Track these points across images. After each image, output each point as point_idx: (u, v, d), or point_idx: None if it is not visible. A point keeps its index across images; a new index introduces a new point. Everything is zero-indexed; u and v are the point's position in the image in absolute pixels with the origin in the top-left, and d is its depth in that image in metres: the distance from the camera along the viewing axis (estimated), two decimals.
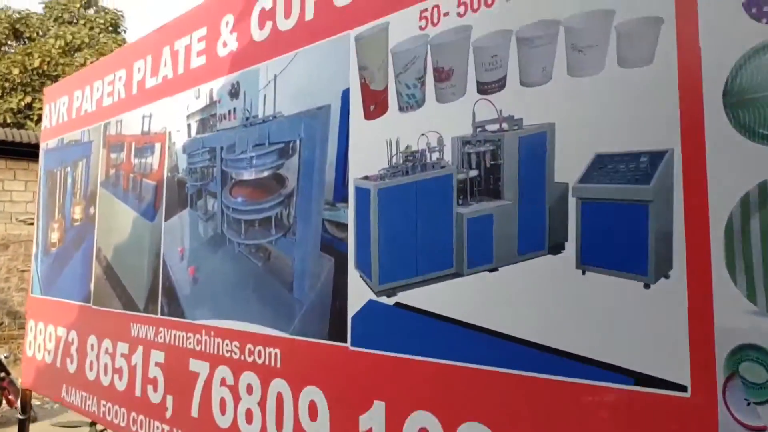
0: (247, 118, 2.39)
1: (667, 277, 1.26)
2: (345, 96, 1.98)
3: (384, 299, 1.82)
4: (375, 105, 1.89)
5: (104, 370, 3.14)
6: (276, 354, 2.17)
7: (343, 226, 1.96)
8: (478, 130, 1.62)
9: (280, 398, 2.14)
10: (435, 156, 1.71)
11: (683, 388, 1.23)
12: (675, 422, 1.24)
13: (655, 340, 1.28)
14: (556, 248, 1.44)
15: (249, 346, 2.28)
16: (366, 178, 1.90)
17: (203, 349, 2.51)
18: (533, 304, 1.47)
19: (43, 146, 4.11)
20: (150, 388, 2.81)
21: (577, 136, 1.41)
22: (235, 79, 2.47)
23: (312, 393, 2.02)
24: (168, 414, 2.67)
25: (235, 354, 2.34)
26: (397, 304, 1.78)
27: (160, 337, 2.77)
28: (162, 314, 2.78)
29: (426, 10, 1.76)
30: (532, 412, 1.47)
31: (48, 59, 18.05)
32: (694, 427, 1.22)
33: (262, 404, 2.20)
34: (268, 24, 2.34)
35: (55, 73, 17.70)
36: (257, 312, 2.26)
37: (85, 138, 3.60)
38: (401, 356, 1.76)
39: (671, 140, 1.26)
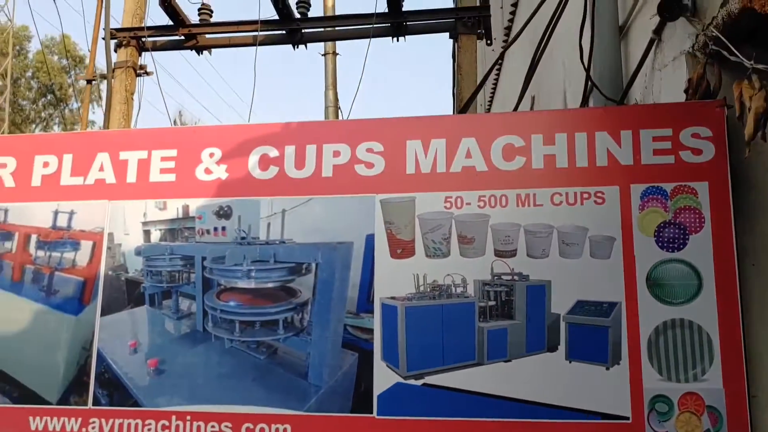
0: (243, 238, 2.96)
1: (619, 364, 2.58)
2: (369, 239, 2.85)
3: (412, 381, 2.70)
4: (402, 249, 2.83)
5: None
6: (286, 429, 2.73)
7: (367, 330, 2.77)
8: (495, 277, 2.74)
9: None
10: (459, 290, 2.75)
11: (627, 418, 2.54)
12: None
13: (611, 396, 2.56)
14: (553, 348, 2.64)
15: (247, 425, 2.76)
16: (392, 298, 2.79)
17: None
18: (535, 379, 2.62)
19: None
20: None
21: (566, 290, 2.67)
22: (225, 203, 3.01)
23: None
24: None
25: None
26: (425, 384, 2.69)
27: (92, 428, 2.87)
28: (96, 405, 2.90)
29: (450, 197, 2.83)
30: None
31: None
32: None
33: None
34: (274, 168, 3.01)
35: None
36: (259, 395, 2.78)
37: None
38: (426, 418, 2.66)
39: (619, 297, 2.63)
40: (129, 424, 2.86)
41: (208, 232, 3.02)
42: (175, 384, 2.88)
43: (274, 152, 3.04)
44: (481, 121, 3.08)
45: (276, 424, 2.76)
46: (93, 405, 2.92)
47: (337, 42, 9.51)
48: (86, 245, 3.12)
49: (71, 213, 3.16)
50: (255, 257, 2.94)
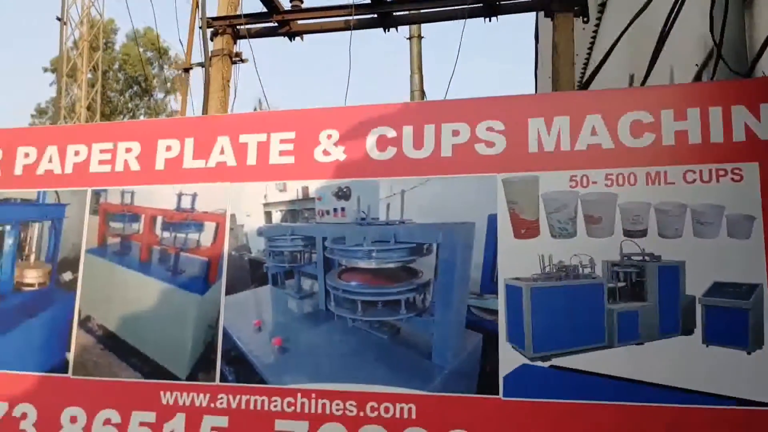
0: (363, 218, 2.97)
1: (761, 348, 2.47)
2: (492, 219, 2.81)
3: (539, 363, 2.66)
4: (526, 229, 2.78)
5: None
6: (410, 408, 2.74)
7: (492, 311, 2.75)
8: (625, 258, 2.66)
9: None
10: (587, 270, 2.68)
11: None
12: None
13: (752, 382, 2.45)
14: (688, 332, 2.55)
15: (371, 404, 2.78)
16: (517, 279, 2.74)
17: (297, 410, 2.86)
18: (669, 363, 2.54)
19: None
20: None
21: (701, 271, 2.56)
22: (344, 185, 3.03)
23: None
24: None
25: (350, 412, 2.80)
26: (552, 366, 2.65)
27: (220, 403, 2.96)
28: (223, 381, 2.99)
29: (576, 176, 2.76)
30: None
31: None
32: None
33: None
34: (392, 149, 3.01)
35: None
36: (382, 374, 2.80)
37: (48, 199, 3.45)
38: (554, 401, 2.62)
39: (761, 279, 2.51)
40: (255, 401, 2.93)
41: (327, 212, 3.05)
42: (300, 362, 2.93)
43: (391, 133, 3.03)
44: (605, 97, 2.97)
45: (401, 404, 2.77)
46: (220, 381, 3.01)
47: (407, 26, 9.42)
48: (209, 226, 3.20)
49: (194, 195, 3.25)
50: (375, 238, 2.95)
